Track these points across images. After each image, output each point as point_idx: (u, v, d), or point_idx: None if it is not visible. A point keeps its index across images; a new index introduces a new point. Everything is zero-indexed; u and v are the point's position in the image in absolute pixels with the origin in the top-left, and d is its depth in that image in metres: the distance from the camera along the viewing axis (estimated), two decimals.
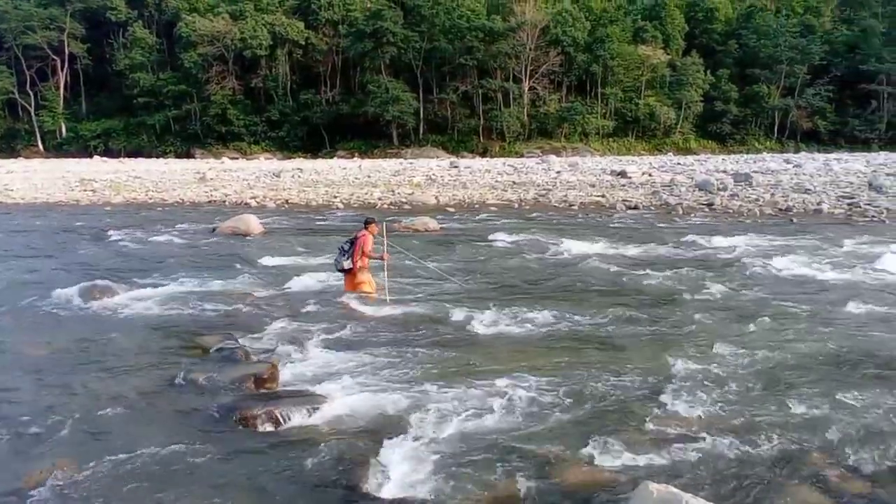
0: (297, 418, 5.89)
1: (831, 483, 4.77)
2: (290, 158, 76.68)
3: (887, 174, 34.30)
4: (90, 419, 5.90)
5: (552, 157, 57.98)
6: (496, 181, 37.56)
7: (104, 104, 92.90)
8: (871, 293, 10.72)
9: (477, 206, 27.43)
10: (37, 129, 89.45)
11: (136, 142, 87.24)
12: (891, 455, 5.17)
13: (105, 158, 74.17)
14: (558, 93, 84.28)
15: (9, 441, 5.52)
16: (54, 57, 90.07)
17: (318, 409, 6.04)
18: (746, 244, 15.99)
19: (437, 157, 72.45)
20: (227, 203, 29.73)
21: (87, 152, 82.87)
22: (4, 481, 4.82)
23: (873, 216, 21.18)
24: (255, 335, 8.43)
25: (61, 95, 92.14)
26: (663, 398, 6.29)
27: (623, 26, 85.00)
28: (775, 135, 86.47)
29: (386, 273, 10.80)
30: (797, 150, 77.44)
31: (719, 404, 6.15)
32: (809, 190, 28.77)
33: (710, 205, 25.26)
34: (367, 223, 10.75)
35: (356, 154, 78.96)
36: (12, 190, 34.40)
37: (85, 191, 34.43)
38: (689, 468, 4.96)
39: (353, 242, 10.39)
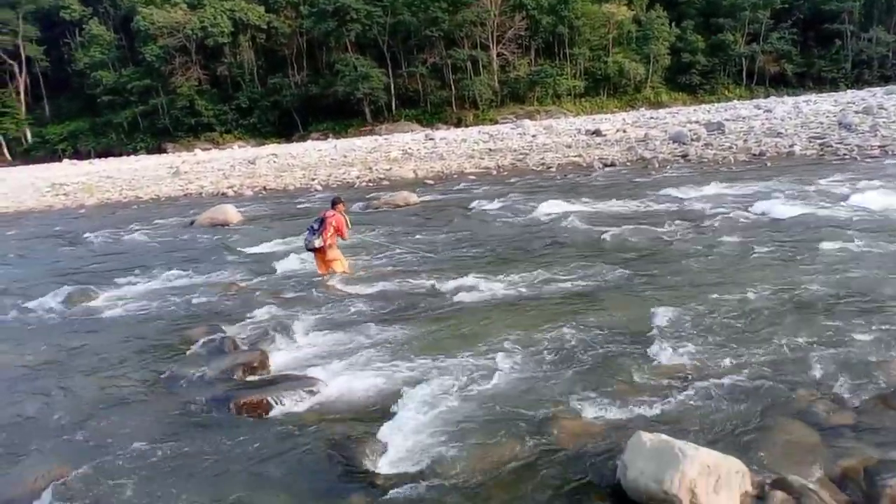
0: (291, 403, 5.87)
1: (819, 417, 4.85)
2: (263, 144, 75.91)
3: (855, 112, 34.60)
4: (82, 422, 5.86)
5: (526, 122, 57.93)
6: (472, 150, 37.46)
7: (67, 106, 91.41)
8: (848, 230, 10.81)
9: (455, 176, 27.35)
10: (1, 138, 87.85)
11: (104, 141, 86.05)
12: (874, 385, 5.27)
13: (74, 161, 73.02)
14: (527, 57, 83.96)
15: (2, 450, 5.47)
16: (10, 62, 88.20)
17: (311, 391, 6.03)
18: (723, 192, 16.08)
19: (412, 131, 72.08)
20: (203, 195, 29.45)
21: (55, 156, 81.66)
22: (1, 491, 4.78)
23: (844, 154, 21.34)
24: (242, 324, 8.37)
25: (22, 101, 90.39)
26: (650, 349, 6.34)
27: None
28: (744, 82, 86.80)
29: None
30: (766, 96, 77.80)
31: (706, 350, 6.21)
32: (781, 133, 28.97)
33: (684, 156, 25.35)
34: (334, 203, 10.74)
35: (330, 135, 78.42)
36: None
37: (57, 195, 33.98)
38: (680, 415, 5.01)
39: (322, 222, 10.35)
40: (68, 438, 5.58)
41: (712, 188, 16.57)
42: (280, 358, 7.11)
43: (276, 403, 5.85)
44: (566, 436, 4.83)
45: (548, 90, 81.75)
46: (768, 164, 21.28)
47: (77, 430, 5.72)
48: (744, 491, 3.85)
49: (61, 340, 8.55)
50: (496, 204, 17.55)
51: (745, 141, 27.60)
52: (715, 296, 7.79)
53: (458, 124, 77.52)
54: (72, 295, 10.64)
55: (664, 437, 4.02)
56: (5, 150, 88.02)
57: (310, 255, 11.14)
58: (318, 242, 10.39)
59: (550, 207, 15.80)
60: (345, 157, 41.31)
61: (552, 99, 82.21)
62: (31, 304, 10.55)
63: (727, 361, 5.93)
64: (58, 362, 7.66)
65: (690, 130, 32.56)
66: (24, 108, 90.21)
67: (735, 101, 71.83)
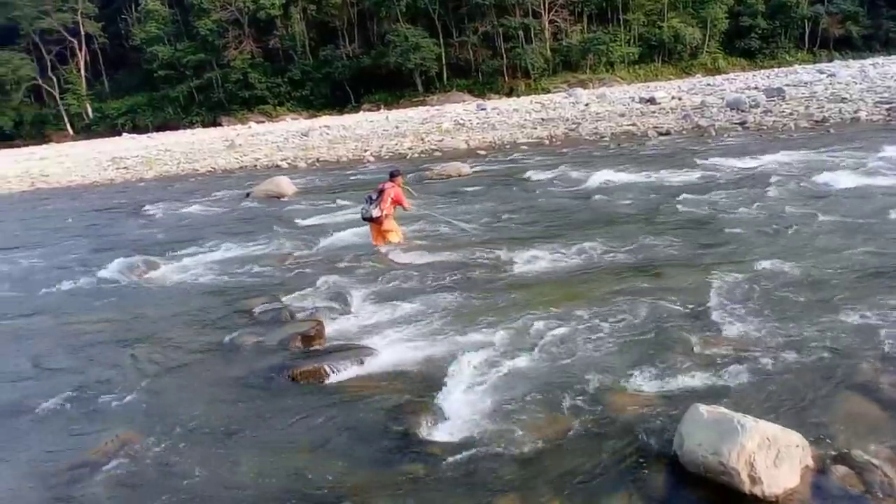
0: (348, 372, 5.95)
1: (883, 391, 4.70)
2: (316, 116, 76.41)
3: None
4: (147, 389, 6.05)
5: (579, 90, 57.07)
6: (525, 120, 37.17)
7: (126, 81, 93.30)
8: None
9: (508, 146, 27.18)
10: (64, 113, 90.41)
11: (161, 115, 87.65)
12: None
13: (133, 135, 74.48)
14: (580, 24, 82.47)
15: (71, 416, 5.69)
16: (71, 39, 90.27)
17: (366, 361, 6.10)
18: (783, 160, 15.64)
19: (464, 102, 71.70)
20: (258, 167, 29.89)
21: (115, 131, 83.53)
22: (70, 455, 4.97)
23: None
24: (298, 294, 8.50)
25: (83, 77, 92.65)
26: (707, 320, 6.24)
27: None
28: (806, 45, 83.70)
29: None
30: (830, 60, 74.97)
31: (765, 322, 6.08)
32: (846, 99, 27.96)
33: (742, 123, 24.70)
34: (392, 175, 10.78)
35: (382, 106, 78.42)
36: (48, 175, 34.95)
37: (118, 169, 34.85)
38: (738, 387, 4.92)
39: (380, 193, 10.42)
40: (135, 404, 5.76)
41: (772, 156, 16.12)
42: (335, 328, 7.19)
43: (333, 372, 5.94)
44: (621, 407, 4.80)
45: (601, 58, 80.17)
46: (831, 130, 20.59)
47: (143, 395, 5.91)
48: (804, 465, 3.78)
49: (125, 309, 8.82)
50: (549, 174, 17.40)
51: (807, 107, 26.72)
52: (774, 267, 7.61)
53: (510, 94, 76.75)
54: (135, 265, 10.94)
55: (722, 409, 3.97)
56: (68, 126, 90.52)
57: (364, 227, 11.24)
58: (376, 212, 10.46)
59: (604, 177, 15.61)
60: (397, 128, 41.38)
61: (605, 67, 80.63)
62: (96, 274, 10.89)
63: (787, 334, 5.80)
64: (123, 330, 7.90)
65: (749, 97, 31.65)
66: (84, 84, 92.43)
67: (796, 66, 69.38)
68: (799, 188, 12.30)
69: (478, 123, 38.23)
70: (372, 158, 27.89)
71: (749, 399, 4.71)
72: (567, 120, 34.32)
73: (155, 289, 9.89)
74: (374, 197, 10.48)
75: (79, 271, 11.41)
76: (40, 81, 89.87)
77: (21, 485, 4.71)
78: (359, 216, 11.07)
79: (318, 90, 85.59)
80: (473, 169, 20.21)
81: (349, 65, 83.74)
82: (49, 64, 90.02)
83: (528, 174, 17.76)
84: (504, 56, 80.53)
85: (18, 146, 78.59)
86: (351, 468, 4.47)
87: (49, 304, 9.70)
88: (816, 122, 22.86)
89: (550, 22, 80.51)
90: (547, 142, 27.26)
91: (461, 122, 40.14)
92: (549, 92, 71.96)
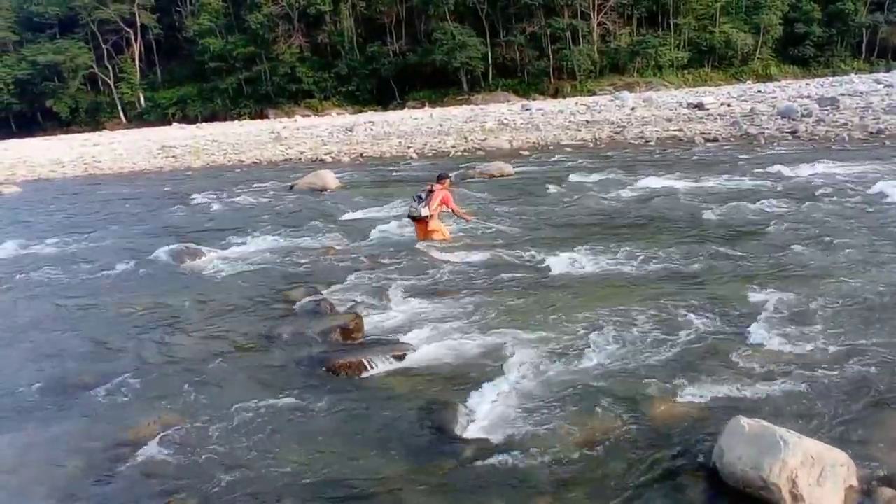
0: (385, 366, 6.00)
1: None
2: (361, 112, 76.81)
3: None
4: (187, 374, 6.15)
5: (625, 93, 56.47)
6: (569, 121, 36.92)
7: (178, 72, 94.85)
8: None
9: (551, 147, 27.03)
10: (117, 101, 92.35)
11: (210, 106, 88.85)
12: None
13: (183, 125, 75.86)
14: (629, 26, 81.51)
15: (112, 397, 5.82)
16: (127, 29, 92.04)
17: (403, 356, 6.14)
18: (834, 171, 15.31)
19: (508, 101, 71.44)
20: (302, 160, 30.16)
21: (165, 120, 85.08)
22: (112, 435, 5.10)
23: None
24: (339, 287, 8.59)
25: (137, 66, 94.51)
26: (751, 332, 6.14)
27: None
28: (863, 54, 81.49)
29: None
30: (888, 69, 72.90)
31: (811, 336, 5.96)
32: None
33: (793, 132, 24.21)
34: (440, 177, 10.84)
35: (426, 103, 78.37)
36: (100, 161, 35.68)
37: (167, 157, 35.44)
38: (782, 402, 4.84)
39: (429, 193, 10.50)
40: (175, 388, 5.87)
41: (823, 167, 15.79)
42: (374, 322, 7.24)
43: (370, 366, 5.99)
44: (660, 415, 4.76)
45: (649, 61, 79.10)
46: (887, 142, 20.08)
47: (184, 380, 6.01)
48: (849, 485, 3.69)
49: (169, 296, 8.96)
50: (593, 177, 17.28)
51: (862, 118, 26.07)
52: (823, 280, 7.45)
53: (556, 95, 76.15)
54: (180, 253, 11.14)
55: (764, 423, 3.91)
56: (121, 114, 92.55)
57: (408, 223, 11.30)
58: (425, 211, 10.55)
59: (648, 183, 15.46)
60: (441, 126, 41.40)
61: (653, 70, 79.55)
62: (142, 260, 11.13)
63: (833, 349, 5.68)
64: (167, 316, 8.05)
65: (801, 105, 31.00)
66: (138, 74, 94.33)
67: (852, 75, 67.64)
68: (850, 200, 12.03)
69: (522, 124, 38.09)
70: (415, 155, 27.96)
71: (792, 414, 4.63)
72: (612, 123, 34.01)
73: (199, 277, 10.05)
74: (423, 196, 10.56)
75: (125, 257, 11.62)
76: (96, 70, 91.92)
77: (62, 460, 4.85)
78: (402, 212, 11.13)
79: (364, 86, 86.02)
80: (516, 169, 20.14)
81: (395, 62, 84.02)
82: (105, 53, 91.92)
83: (571, 176, 17.65)
84: (550, 57, 79.96)
85: (73, 132, 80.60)
86: (385, 462, 4.51)
87: (95, 288, 9.90)
88: (871, 133, 22.31)
89: (599, 24, 79.75)
90: (591, 144, 27.05)
91: (505, 121, 40.03)
92: (594, 94, 71.24)
